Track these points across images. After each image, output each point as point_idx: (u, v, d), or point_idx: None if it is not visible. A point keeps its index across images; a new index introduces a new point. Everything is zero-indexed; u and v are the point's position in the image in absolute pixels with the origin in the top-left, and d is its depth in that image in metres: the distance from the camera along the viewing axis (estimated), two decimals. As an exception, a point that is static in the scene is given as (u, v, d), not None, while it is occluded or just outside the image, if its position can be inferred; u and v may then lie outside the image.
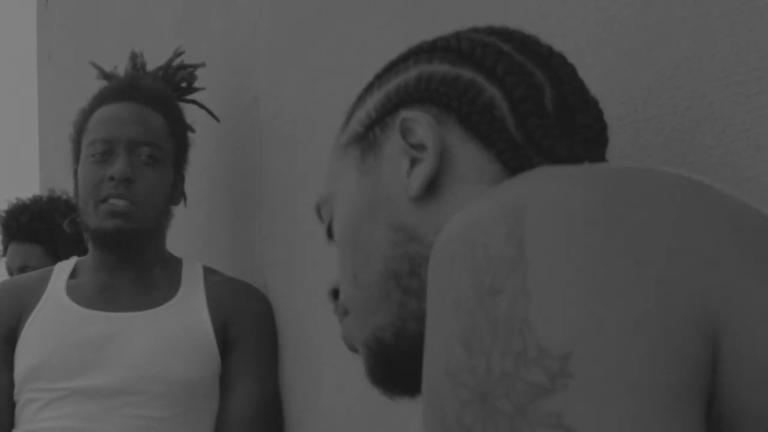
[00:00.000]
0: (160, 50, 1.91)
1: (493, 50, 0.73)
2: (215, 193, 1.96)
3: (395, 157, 0.72)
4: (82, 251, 1.83)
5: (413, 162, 0.71)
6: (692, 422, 0.47)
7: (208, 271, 1.69)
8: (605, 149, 0.76)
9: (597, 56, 0.90)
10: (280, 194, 1.65)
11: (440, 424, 0.50)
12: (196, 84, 1.85)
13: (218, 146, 1.92)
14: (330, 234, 0.79)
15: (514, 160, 0.69)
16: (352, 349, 0.78)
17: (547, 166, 0.60)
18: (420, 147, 0.71)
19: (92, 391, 1.52)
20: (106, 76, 1.84)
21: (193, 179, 1.78)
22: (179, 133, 1.70)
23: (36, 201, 2.49)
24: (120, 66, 1.88)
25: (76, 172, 1.67)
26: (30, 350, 1.56)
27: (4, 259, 2.51)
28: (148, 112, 1.65)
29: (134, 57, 1.85)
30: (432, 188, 0.70)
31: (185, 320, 1.60)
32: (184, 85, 1.84)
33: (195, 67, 1.84)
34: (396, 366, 0.73)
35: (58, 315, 1.59)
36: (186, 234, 1.97)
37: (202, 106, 1.84)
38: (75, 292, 1.63)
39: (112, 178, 1.58)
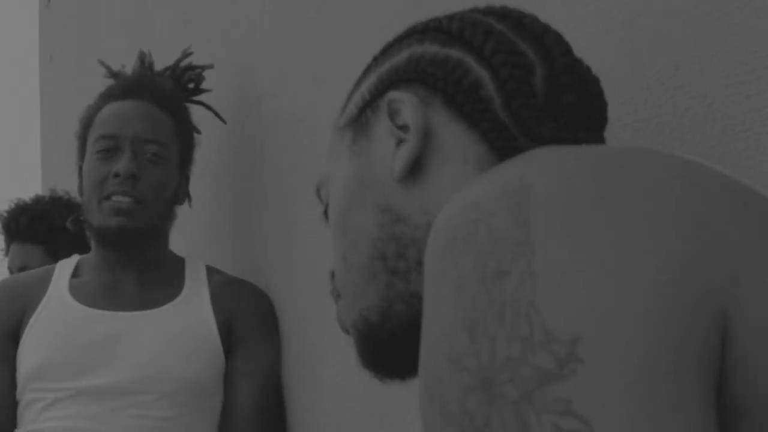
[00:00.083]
0: (163, 51, 1.91)
1: (483, 30, 0.72)
2: (217, 193, 1.96)
3: (383, 139, 0.72)
4: (82, 251, 1.82)
5: (399, 143, 0.71)
6: (703, 407, 0.46)
7: (211, 271, 1.69)
8: (601, 129, 0.74)
9: (597, 56, 0.90)
10: (282, 194, 1.65)
11: (440, 411, 0.49)
12: (202, 85, 1.85)
13: (220, 146, 1.92)
14: (327, 216, 0.79)
15: (499, 141, 0.68)
16: (345, 331, 0.78)
17: (551, 146, 0.59)
18: (405, 128, 0.71)
19: (97, 391, 1.51)
20: (113, 74, 1.84)
21: (196, 179, 1.79)
22: (185, 133, 1.70)
23: (37, 201, 2.49)
24: (124, 66, 1.88)
25: (81, 168, 1.67)
26: (34, 349, 1.56)
27: (6, 259, 2.51)
28: (155, 110, 1.65)
29: (142, 56, 1.85)
30: (417, 169, 0.70)
31: (189, 319, 1.59)
32: (191, 86, 1.84)
33: (203, 68, 1.84)
34: (384, 348, 0.72)
35: (62, 314, 1.59)
36: (188, 233, 1.97)
37: (209, 108, 1.84)
38: (78, 291, 1.62)
39: (116, 175, 1.57)
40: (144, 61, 1.84)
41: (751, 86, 0.76)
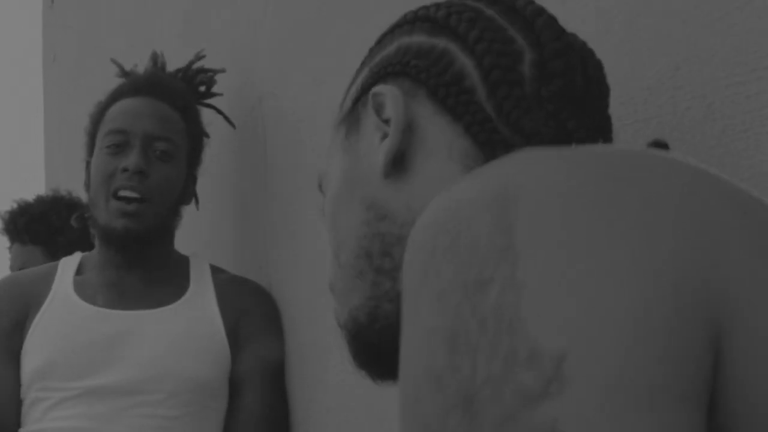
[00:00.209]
0: (164, 51, 1.91)
1: (468, 17, 0.69)
2: (221, 193, 1.97)
3: (371, 134, 0.70)
4: (83, 252, 1.82)
5: (384, 137, 0.69)
6: (694, 426, 0.44)
7: (215, 269, 1.69)
8: (601, 116, 0.71)
9: (597, 56, 0.91)
10: (284, 193, 1.65)
11: (421, 428, 0.46)
12: (213, 89, 1.85)
13: (224, 146, 1.92)
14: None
15: (482, 134, 0.65)
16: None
17: (536, 148, 0.56)
18: (389, 122, 0.68)
19: (103, 391, 1.50)
20: (125, 73, 1.84)
21: (199, 179, 1.79)
22: (195, 133, 1.70)
23: (38, 201, 2.49)
24: (136, 65, 1.88)
25: (88, 164, 1.66)
26: (39, 348, 1.54)
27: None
28: (165, 108, 1.64)
29: (155, 57, 1.85)
30: (401, 164, 0.67)
31: (196, 319, 1.59)
32: (202, 89, 1.84)
33: (215, 72, 1.83)
34: (374, 349, 0.70)
35: (67, 313, 1.58)
36: (192, 233, 1.97)
37: (219, 111, 1.83)
38: (83, 289, 1.61)
39: (125, 170, 1.56)
40: (157, 62, 1.84)
41: (751, 86, 0.76)
